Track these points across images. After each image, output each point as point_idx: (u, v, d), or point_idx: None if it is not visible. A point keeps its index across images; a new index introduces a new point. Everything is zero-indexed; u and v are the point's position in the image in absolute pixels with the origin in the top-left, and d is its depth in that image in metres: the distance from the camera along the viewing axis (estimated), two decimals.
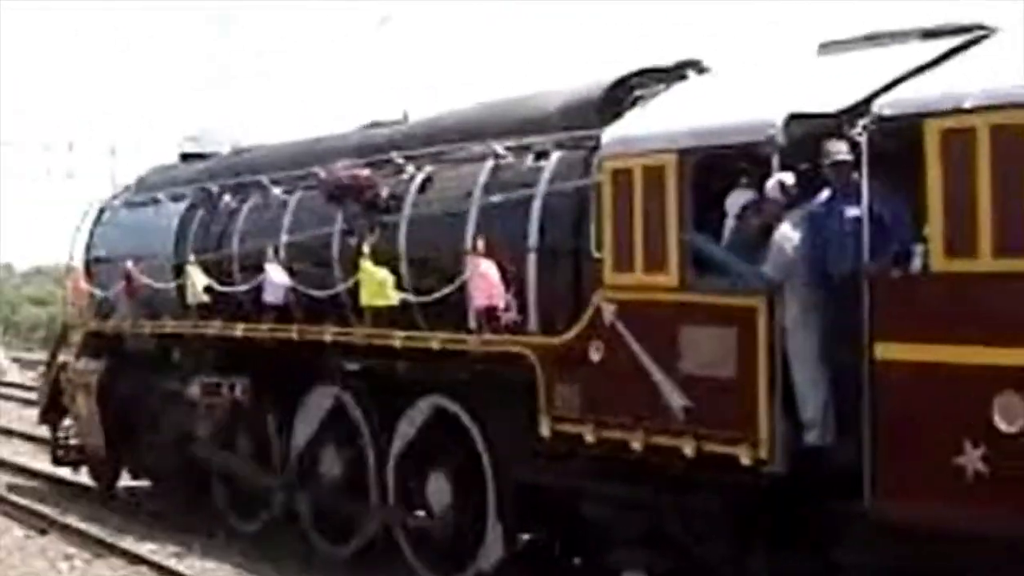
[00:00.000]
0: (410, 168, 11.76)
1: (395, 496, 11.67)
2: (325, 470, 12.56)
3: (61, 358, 16.28)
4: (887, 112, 7.51)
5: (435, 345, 10.73)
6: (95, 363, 15.48)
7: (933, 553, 7.43)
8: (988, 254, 7.03)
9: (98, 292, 15.66)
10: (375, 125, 13.15)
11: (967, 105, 7.10)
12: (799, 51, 9.31)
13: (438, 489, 11.22)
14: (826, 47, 9.12)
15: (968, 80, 7.38)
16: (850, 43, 8.94)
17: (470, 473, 10.84)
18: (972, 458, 7.11)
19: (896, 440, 7.48)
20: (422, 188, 11.51)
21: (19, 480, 17.23)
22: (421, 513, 11.39)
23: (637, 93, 10.06)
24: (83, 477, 16.46)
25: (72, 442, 16.34)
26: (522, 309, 10.20)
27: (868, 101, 7.75)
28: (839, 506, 7.87)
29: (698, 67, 10.23)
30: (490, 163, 10.82)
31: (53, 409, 16.43)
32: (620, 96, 10.11)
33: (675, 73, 10.17)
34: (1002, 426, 7.00)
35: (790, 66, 9.15)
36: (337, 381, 12.29)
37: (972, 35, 8.19)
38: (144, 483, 15.86)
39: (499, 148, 10.79)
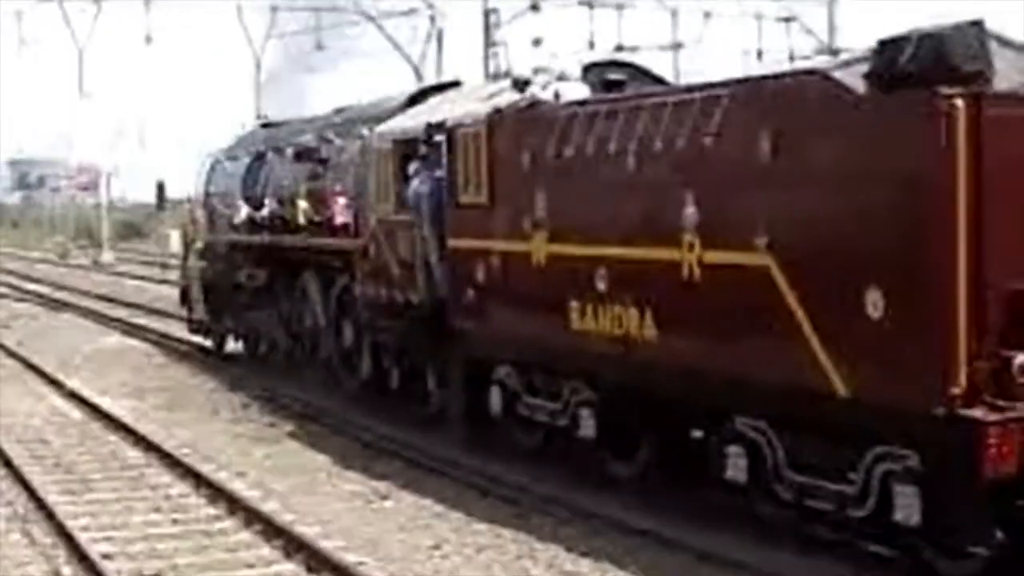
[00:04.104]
0: (337, 141, 19.65)
1: (332, 334, 19.61)
2: (307, 322, 20.60)
3: (188, 261, 24.93)
4: (450, 124, 15.03)
5: (321, 244, 18.76)
6: (201, 263, 24.04)
7: (473, 345, 14.95)
8: (475, 195, 14.50)
9: (203, 218, 24.19)
10: (339, 111, 21.11)
11: (467, 122, 14.59)
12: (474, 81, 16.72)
13: (347, 330, 19.16)
14: (492, 79, 16.54)
15: (480, 108, 14.79)
16: (496, 76, 16.37)
17: (357, 321, 18.75)
18: (471, 296, 14.63)
19: (456, 288, 15.04)
20: (338, 154, 19.40)
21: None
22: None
23: (425, 99, 17.66)
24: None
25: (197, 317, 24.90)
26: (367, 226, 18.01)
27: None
28: (449, 326, 15.43)
29: (457, 85, 17.76)
30: (359, 141, 18.62)
31: (185, 296, 25.10)
32: (415, 102, 17.75)
33: (447, 88, 17.74)
34: (479, 279, 14.47)
35: (457, 93, 16.65)
36: (305, 269, 20.36)
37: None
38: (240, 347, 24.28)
39: (365, 131, 18.57)
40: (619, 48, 36.81)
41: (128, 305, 33.81)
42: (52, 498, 13.46)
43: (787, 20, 41.84)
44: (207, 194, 24.66)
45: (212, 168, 24.96)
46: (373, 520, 12.80)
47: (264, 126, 24.53)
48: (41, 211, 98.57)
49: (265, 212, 20.74)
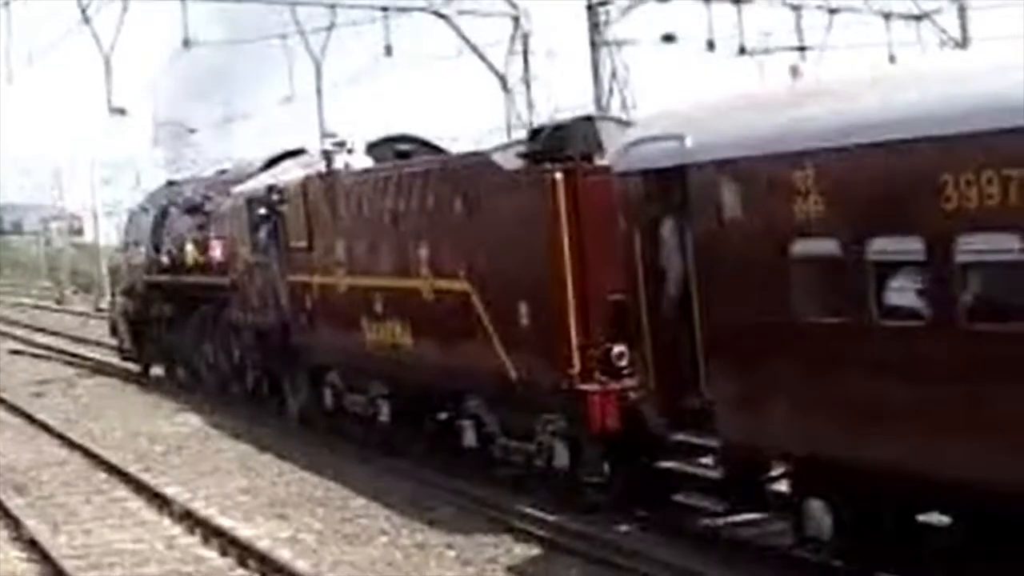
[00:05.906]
0: (217, 198, 23.88)
1: (223, 354, 23.77)
2: (206, 345, 24.77)
3: (116, 299, 29.16)
4: (281, 186, 19.23)
5: (206, 281, 23.01)
6: (125, 300, 28.28)
7: (309, 357, 19.12)
8: (300, 241, 18.68)
9: (124, 263, 28.43)
10: (221, 172, 25.35)
11: (292, 185, 18.79)
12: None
13: (235, 350, 23.30)
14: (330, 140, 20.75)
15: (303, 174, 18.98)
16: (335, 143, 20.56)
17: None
18: (304, 319, 18.82)
19: (294, 313, 19.22)
20: (217, 207, 23.62)
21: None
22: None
23: (278, 164, 21.86)
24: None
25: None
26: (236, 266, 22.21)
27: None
28: (293, 343, 19.58)
29: (304, 152, 21.94)
30: (232, 197, 22.79)
31: (115, 329, 29.31)
32: (270, 166, 21.95)
33: (297, 154, 21.93)
34: (308, 305, 18.66)
35: (303, 159, 20.86)
36: (202, 302, 24.56)
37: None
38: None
39: (237, 188, 22.76)
40: (742, 51, 34.31)
41: None
42: None
43: (917, 18, 36.03)
44: (127, 242, 28.87)
45: (130, 220, 29.21)
46: None
47: (170, 184, 28.77)
48: (16, 254, 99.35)
49: (165, 257, 24.96)
